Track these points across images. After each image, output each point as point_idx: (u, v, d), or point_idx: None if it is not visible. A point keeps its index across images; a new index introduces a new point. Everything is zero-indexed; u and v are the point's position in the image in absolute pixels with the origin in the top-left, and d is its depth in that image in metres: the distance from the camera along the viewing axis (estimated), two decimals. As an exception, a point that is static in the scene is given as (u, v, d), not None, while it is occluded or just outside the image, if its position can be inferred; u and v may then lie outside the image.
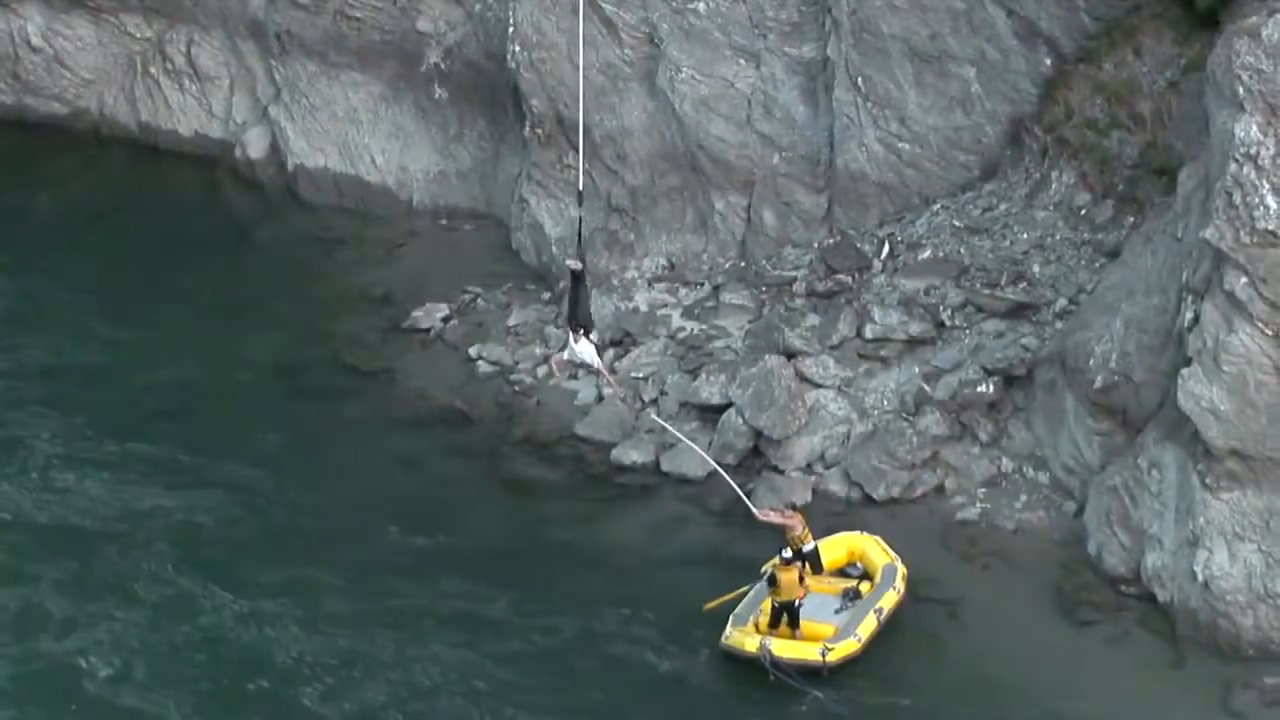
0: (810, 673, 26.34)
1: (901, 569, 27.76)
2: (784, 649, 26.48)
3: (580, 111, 29.43)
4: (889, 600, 27.32)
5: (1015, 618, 27.38)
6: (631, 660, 27.08)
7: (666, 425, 29.20)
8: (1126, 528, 27.57)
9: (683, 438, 29.25)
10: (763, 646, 26.40)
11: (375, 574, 28.93)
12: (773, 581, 26.89)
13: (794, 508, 28.52)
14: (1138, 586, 27.39)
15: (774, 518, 27.80)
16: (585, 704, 26.38)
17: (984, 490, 29.61)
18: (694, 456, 30.41)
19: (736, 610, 27.22)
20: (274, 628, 27.52)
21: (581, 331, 26.72)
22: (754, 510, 28.11)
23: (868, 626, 26.84)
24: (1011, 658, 26.63)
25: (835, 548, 28.35)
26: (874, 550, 28.14)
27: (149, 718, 25.98)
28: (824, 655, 26.37)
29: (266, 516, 30.14)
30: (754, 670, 26.64)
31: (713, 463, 28.96)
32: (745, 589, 27.41)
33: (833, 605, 27.43)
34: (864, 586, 27.66)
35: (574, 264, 26.84)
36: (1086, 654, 26.63)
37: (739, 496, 28.23)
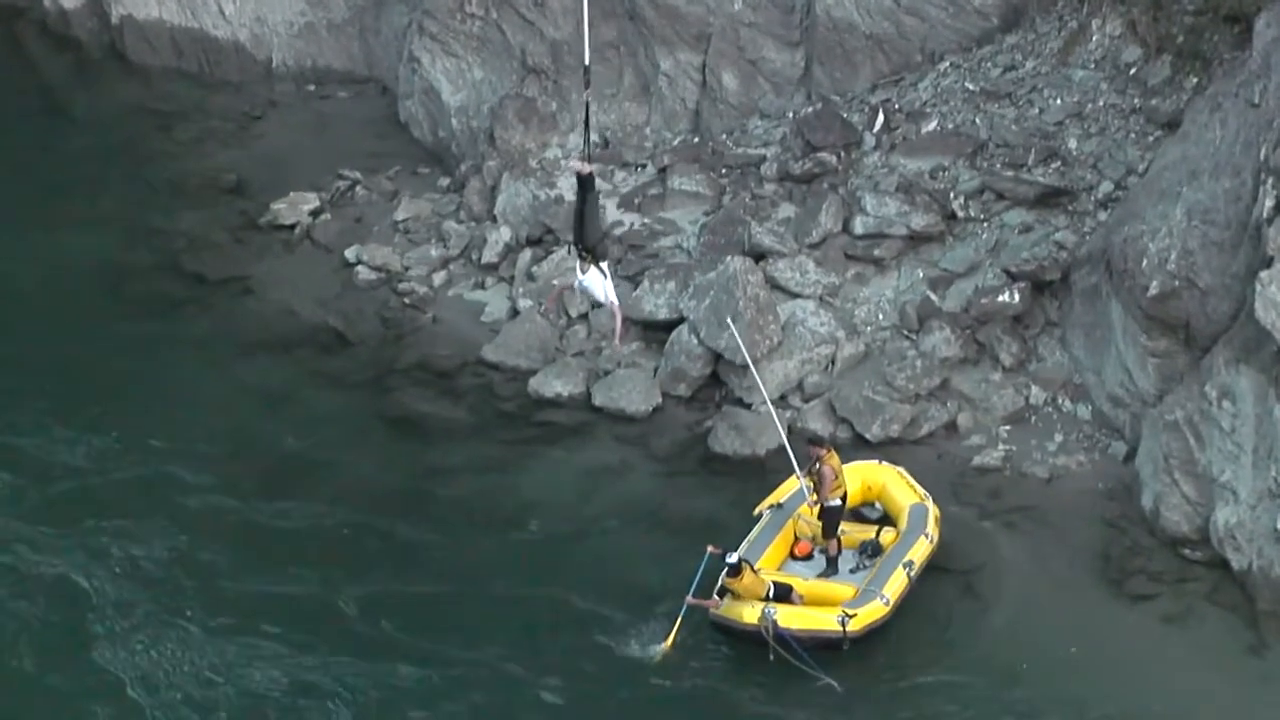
0: (828, 646, 25.93)
1: (934, 510, 27.33)
2: (793, 618, 25.87)
3: None
4: (920, 551, 26.78)
5: (1049, 590, 26.95)
6: (560, 651, 26.37)
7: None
8: (1191, 475, 27.03)
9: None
10: (765, 616, 25.75)
11: (219, 538, 28.21)
12: (726, 594, 26.29)
13: (822, 442, 27.39)
14: (1205, 550, 26.94)
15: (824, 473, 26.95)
16: (504, 710, 25.73)
17: (1008, 428, 29.25)
18: (635, 387, 30.23)
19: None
20: (96, 599, 27.14)
21: (589, 257, 25.39)
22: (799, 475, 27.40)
23: (895, 586, 26.35)
24: (1045, 642, 26.08)
25: (848, 482, 27.61)
26: (898, 486, 27.68)
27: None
28: (844, 624, 25.81)
29: (86, 465, 29.61)
30: (735, 650, 26.07)
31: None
32: None
33: (847, 563, 27.10)
34: (886, 536, 27.16)
35: (579, 165, 25.44)
36: (1141, 636, 26.18)
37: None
